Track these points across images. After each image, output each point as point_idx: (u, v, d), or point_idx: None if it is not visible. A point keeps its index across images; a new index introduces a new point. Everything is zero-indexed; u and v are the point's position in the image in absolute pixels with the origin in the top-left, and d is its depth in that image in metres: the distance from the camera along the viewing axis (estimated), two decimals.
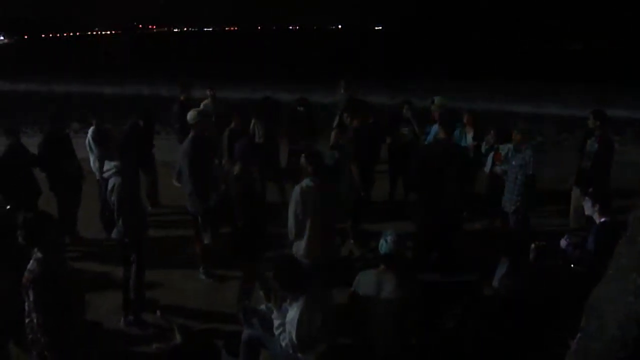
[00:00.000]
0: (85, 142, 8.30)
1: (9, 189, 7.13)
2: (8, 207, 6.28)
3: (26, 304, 4.05)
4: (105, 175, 5.88)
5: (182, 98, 9.68)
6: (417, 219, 6.78)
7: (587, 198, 5.63)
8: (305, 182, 5.47)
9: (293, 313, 4.19)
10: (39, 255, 3.98)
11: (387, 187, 9.29)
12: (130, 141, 8.23)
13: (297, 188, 5.46)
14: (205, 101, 10.43)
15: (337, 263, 6.93)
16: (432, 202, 6.33)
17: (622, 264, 2.98)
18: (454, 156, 6.38)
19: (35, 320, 4.00)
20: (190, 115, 6.93)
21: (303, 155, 5.70)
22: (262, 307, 4.89)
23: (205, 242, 7.20)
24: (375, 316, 4.40)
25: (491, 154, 8.05)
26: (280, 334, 4.39)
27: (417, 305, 4.47)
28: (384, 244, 4.39)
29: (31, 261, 4.00)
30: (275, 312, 4.47)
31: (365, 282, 4.49)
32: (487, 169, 8.10)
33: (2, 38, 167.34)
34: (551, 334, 4.42)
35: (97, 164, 8.13)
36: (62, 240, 5.40)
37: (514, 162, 7.28)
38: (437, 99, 8.54)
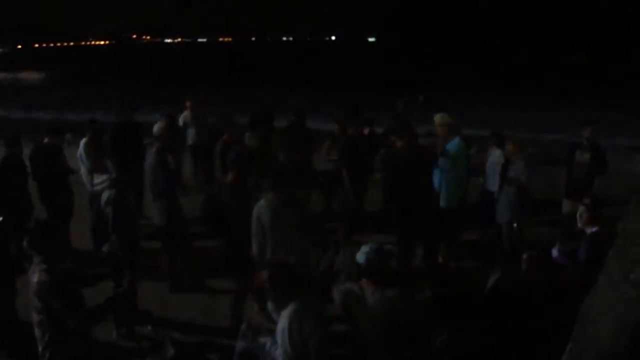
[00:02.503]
0: (77, 154, 8.26)
1: (2, 200, 7.13)
2: (0, 218, 6.27)
3: (36, 317, 4.06)
4: (98, 188, 5.84)
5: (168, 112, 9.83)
6: (397, 226, 6.84)
7: (583, 209, 5.66)
8: (261, 201, 5.41)
9: (282, 324, 4.18)
10: (43, 266, 4.00)
11: (381, 198, 9.30)
12: (119, 151, 8.15)
13: (255, 207, 5.42)
14: (184, 113, 10.53)
15: (329, 275, 6.94)
16: (405, 206, 6.40)
17: (613, 274, 3.00)
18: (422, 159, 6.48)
19: (47, 331, 4.05)
20: (156, 127, 6.89)
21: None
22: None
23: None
24: (361, 331, 4.35)
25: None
26: (272, 346, 4.37)
27: (403, 319, 4.39)
28: (363, 257, 4.27)
29: (36, 273, 4.01)
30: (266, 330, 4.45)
31: (348, 296, 4.45)
32: (483, 180, 8.13)
33: None
34: (543, 343, 4.42)
35: (88, 177, 8.09)
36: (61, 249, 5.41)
37: (510, 173, 7.33)
38: (437, 117, 8.20)
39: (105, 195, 5.74)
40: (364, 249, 4.31)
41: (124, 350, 5.86)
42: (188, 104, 10.67)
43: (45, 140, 7.77)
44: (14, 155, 7.43)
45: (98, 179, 5.88)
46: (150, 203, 6.88)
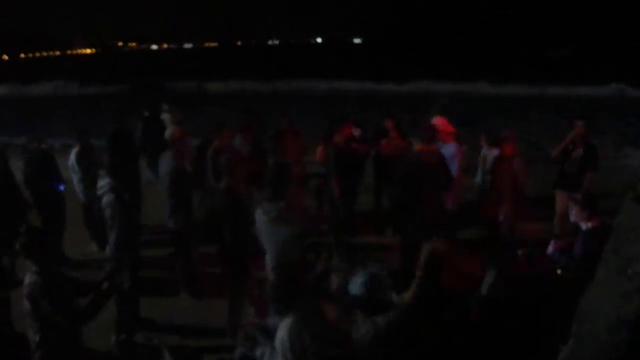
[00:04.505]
0: (68, 163, 8.19)
1: None
2: None
3: (27, 319, 4.10)
4: (99, 192, 5.80)
5: (146, 114, 9.67)
6: (406, 233, 6.80)
7: (573, 203, 5.68)
8: (259, 210, 5.42)
9: (282, 332, 4.16)
10: (34, 268, 4.04)
11: (372, 199, 9.31)
12: (118, 155, 8.08)
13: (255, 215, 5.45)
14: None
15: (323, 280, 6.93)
16: (419, 214, 6.38)
17: (610, 268, 3.02)
18: (440, 166, 6.45)
19: (37, 333, 4.09)
20: (169, 131, 6.85)
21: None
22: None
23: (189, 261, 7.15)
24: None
25: (480, 160, 8.08)
26: (271, 354, 4.35)
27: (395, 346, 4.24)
28: (359, 288, 3.97)
29: (27, 276, 4.04)
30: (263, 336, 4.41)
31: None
32: (478, 179, 8.11)
33: None
34: (541, 340, 4.43)
35: (80, 186, 8.04)
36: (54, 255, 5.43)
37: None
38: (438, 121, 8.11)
39: (105, 200, 5.71)
40: (358, 279, 4.01)
41: (122, 357, 5.84)
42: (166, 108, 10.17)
43: (41, 147, 7.76)
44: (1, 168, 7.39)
45: (101, 182, 5.83)
46: (163, 207, 6.91)
